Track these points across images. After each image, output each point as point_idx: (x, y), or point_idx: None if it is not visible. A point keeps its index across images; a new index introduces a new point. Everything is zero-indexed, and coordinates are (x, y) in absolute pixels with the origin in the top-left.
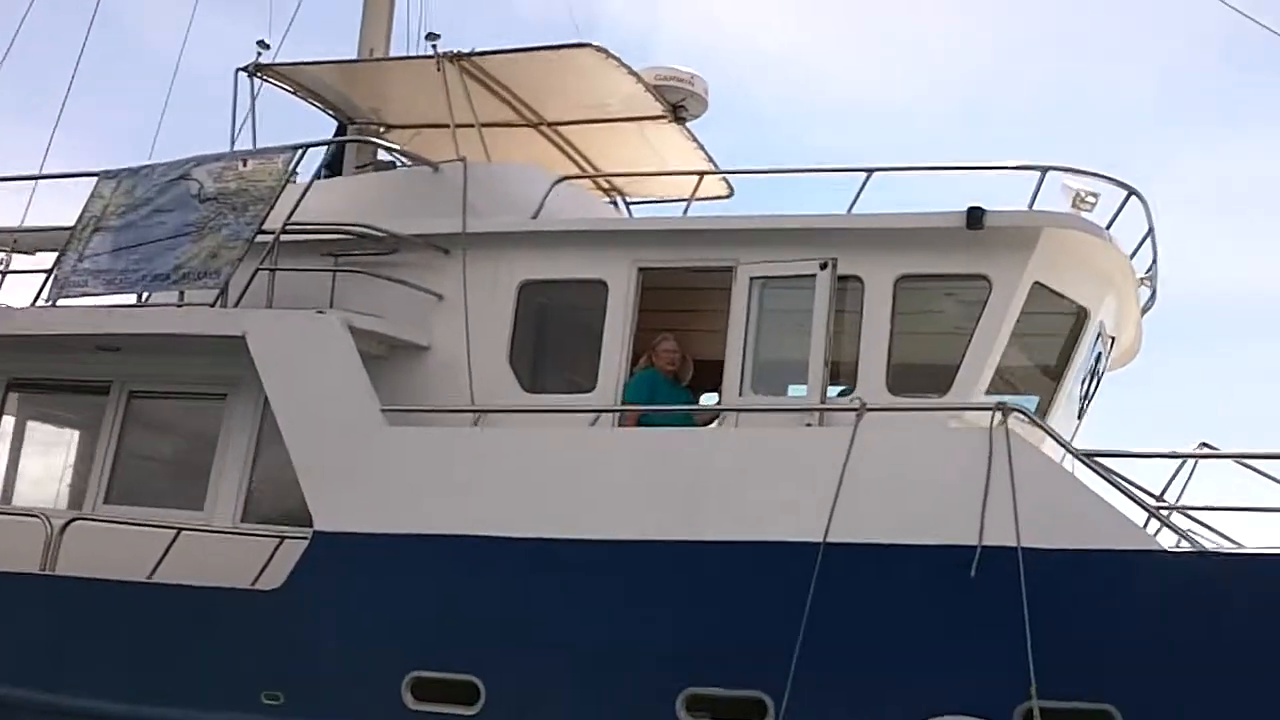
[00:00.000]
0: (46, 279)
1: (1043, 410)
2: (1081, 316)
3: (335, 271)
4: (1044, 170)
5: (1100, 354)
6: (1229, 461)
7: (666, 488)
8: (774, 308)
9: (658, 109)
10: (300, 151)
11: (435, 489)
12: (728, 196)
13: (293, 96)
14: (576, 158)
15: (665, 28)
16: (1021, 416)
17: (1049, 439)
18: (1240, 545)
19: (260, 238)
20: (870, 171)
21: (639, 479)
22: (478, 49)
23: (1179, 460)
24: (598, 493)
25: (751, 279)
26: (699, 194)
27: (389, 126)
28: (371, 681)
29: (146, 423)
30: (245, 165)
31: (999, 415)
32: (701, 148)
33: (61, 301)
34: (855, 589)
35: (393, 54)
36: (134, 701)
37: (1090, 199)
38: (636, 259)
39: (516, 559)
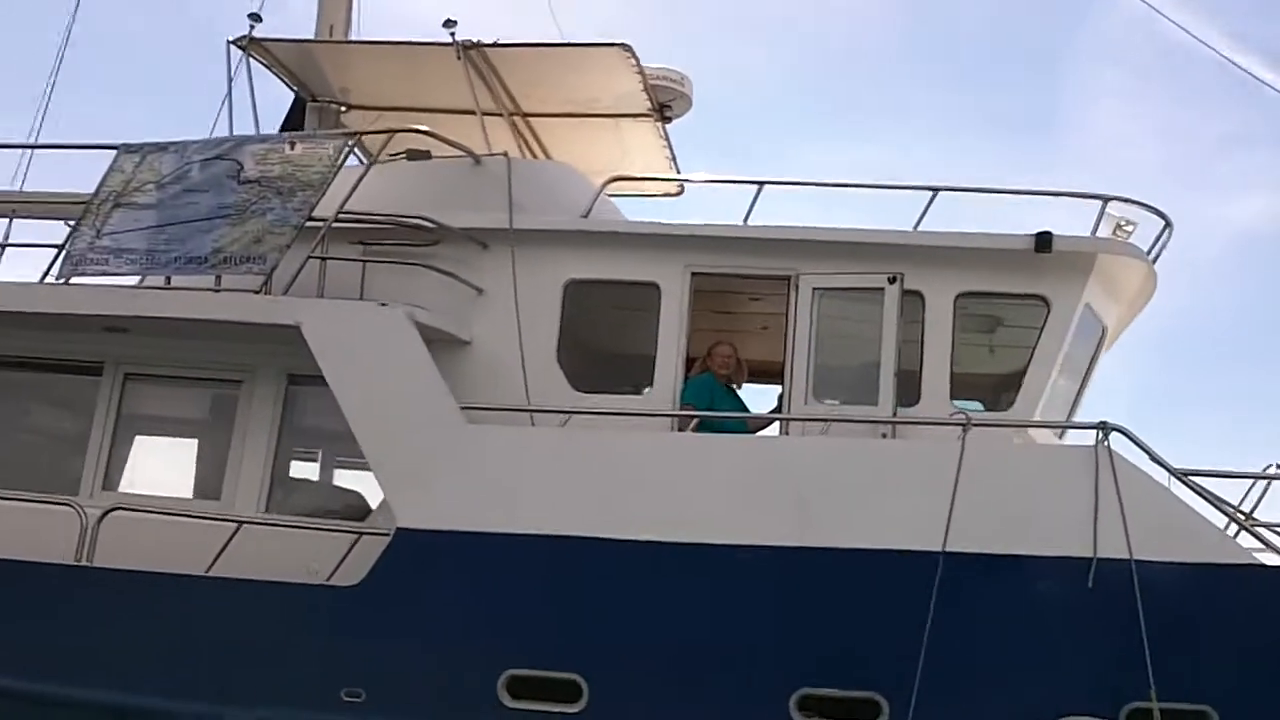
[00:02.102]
0: (57, 255)
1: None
2: (1103, 335)
3: (383, 262)
4: (1105, 200)
5: None
6: None
7: (777, 494)
8: (836, 317)
9: (645, 108)
10: (354, 140)
11: (529, 488)
12: (678, 194)
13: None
14: (535, 148)
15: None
16: (1120, 435)
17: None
18: None
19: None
20: (935, 191)
21: (748, 485)
22: (500, 40)
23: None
24: (703, 497)
25: (815, 289)
26: (656, 192)
27: (350, 106)
28: (464, 678)
29: (146, 407)
30: (293, 149)
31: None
32: (669, 146)
33: (75, 280)
34: (973, 597)
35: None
36: (210, 701)
37: (1129, 226)
38: (689, 263)
39: (624, 560)
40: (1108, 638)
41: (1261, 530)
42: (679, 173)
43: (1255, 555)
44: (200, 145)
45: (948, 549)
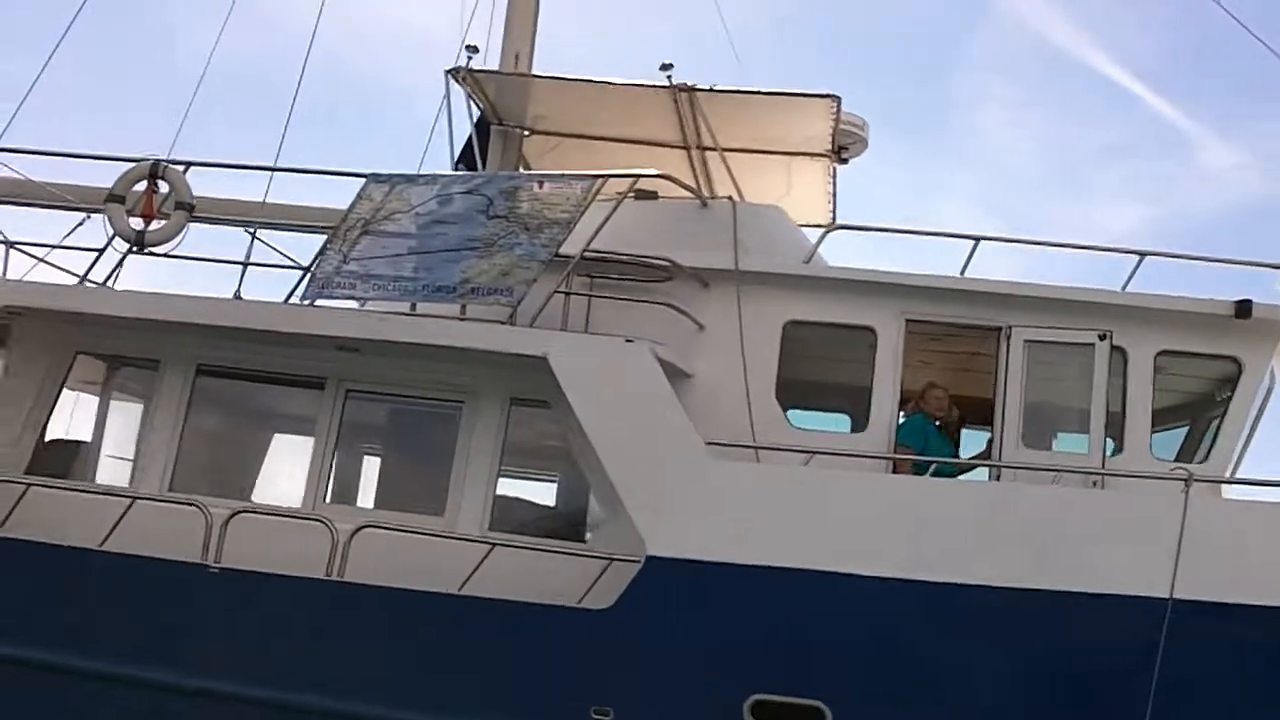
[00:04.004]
0: (302, 277)
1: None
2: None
3: (628, 300)
4: None
5: None
6: None
7: (1015, 538)
8: (1046, 370)
9: (826, 149)
10: (601, 182)
11: (771, 522)
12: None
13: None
14: (700, 178)
15: None
16: None
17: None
18: None
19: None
20: (1143, 255)
21: (989, 528)
22: (716, 86)
23: None
24: (945, 537)
25: (1026, 341)
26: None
27: (533, 132)
28: (709, 701)
29: (357, 421)
30: (541, 188)
31: None
32: (833, 182)
33: (320, 302)
34: (1199, 642)
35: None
36: (469, 714)
37: None
38: (905, 310)
39: (869, 595)
40: None
41: None
42: (835, 206)
43: None
44: (449, 179)
45: (1175, 596)
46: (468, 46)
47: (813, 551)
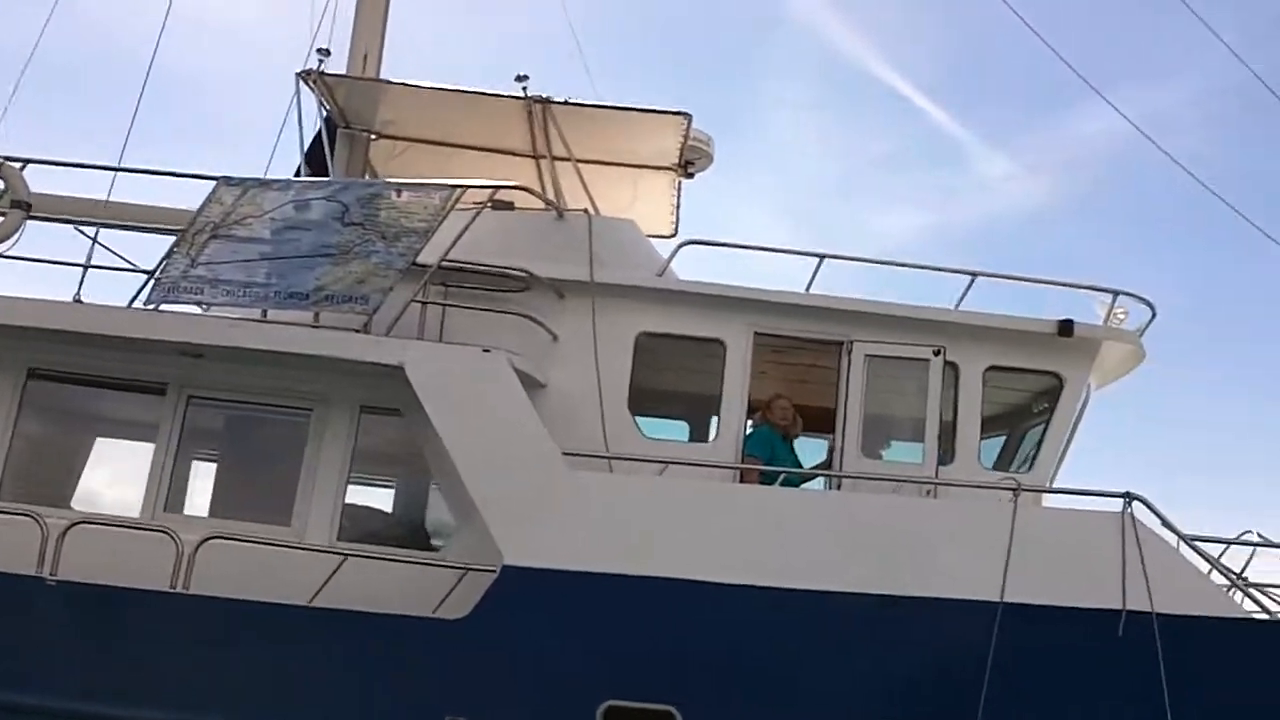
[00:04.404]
0: (147, 281)
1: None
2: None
3: (481, 309)
4: (1115, 294)
5: None
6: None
7: (860, 546)
8: (884, 382)
9: (673, 163)
10: (460, 192)
11: (628, 531)
12: (670, 236)
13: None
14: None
15: None
16: (1141, 505)
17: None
18: None
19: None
20: (974, 275)
21: (838, 537)
22: (570, 99)
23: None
24: (794, 545)
25: (866, 355)
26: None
27: (379, 135)
28: (563, 709)
29: (199, 428)
30: (399, 196)
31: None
32: (677, 195)
33: (165, 307)
34: (1026, 644)
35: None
36: None
37: (1121, 314)
38: (754, 324)
39: (720, 602)
40: (1135, 681)
41: (1252, 590)
42: (678, 218)
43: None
44: (305, 184)
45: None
46: (319, 49)
47: (666, 560)
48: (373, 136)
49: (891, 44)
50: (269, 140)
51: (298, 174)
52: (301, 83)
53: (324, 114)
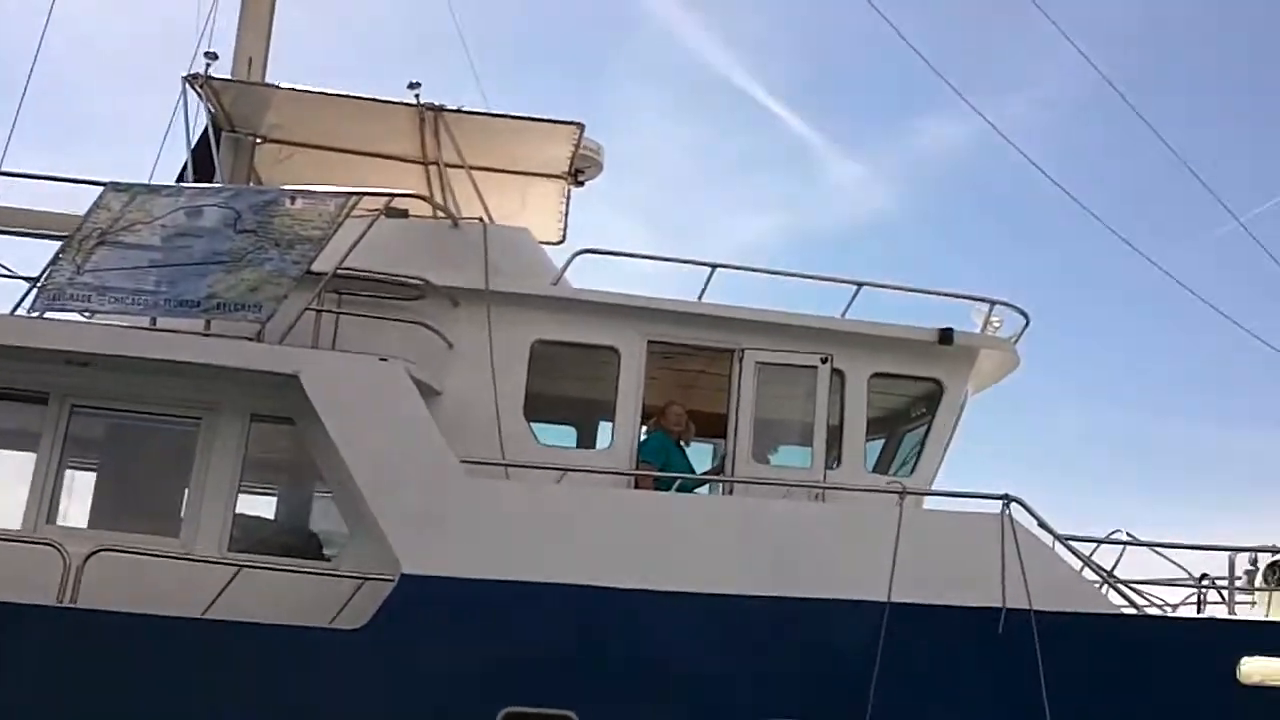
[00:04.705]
0: (31, 287)
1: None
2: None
3: (374, 317)
4: (993, 303)
5: None
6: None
7: (756, 550)
8: (774, 389)
9: (563, 171)
10: (355, 199)
11: (526, 539)
12: (559, 243)
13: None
14: (438, 194)
15: None
16: (1019, 506)
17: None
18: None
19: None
20: (860, 285)
21: (732, 541)
22: (464, 107)
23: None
24: (690, 550)
25: (757, 363)
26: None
27: (264, 139)
28: (464, 715)
29: (88, 440)
30: (294, 203)
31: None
32: (566, 204)
33: (50, 315)
34: (911, 639)
35: None
36: None
37: (997, 323)
38: (647, 332)
39: (617, 607)
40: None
41: (1121, 586)
42: (566, 226)
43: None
44: (196, 191)
45: (893, 600)
46: (206, 53)
47: (564, 566)
48: (258, 141)
49: (749, 50)
50: (154, 144)
51: (181, 178)
52: (188, 86)
53: (209, 117)
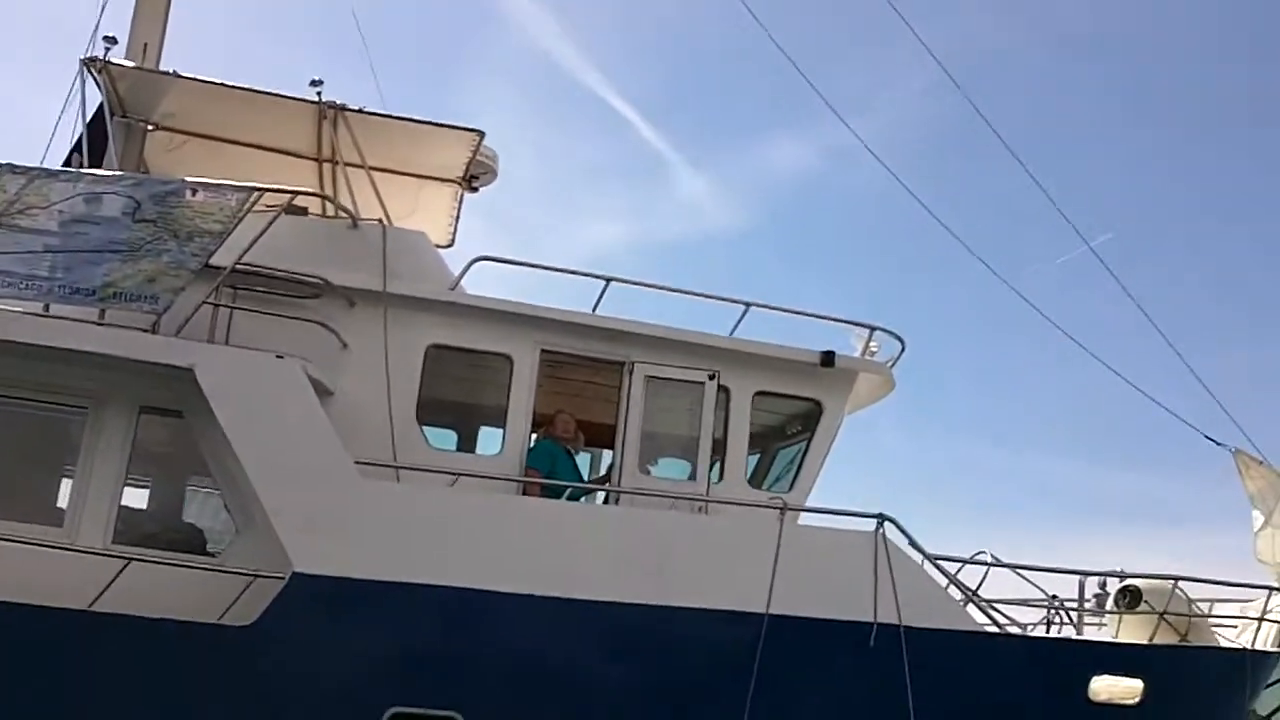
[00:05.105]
0: None
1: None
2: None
3: (271, 315)
4: (872, 329)
5: None
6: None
7: (639, 558)
8: (662, 402)
9: (458, 176)
10: (258, 195)
11: (418, 541)
12: (448, 246)
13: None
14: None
15: None
16: (892, 526)
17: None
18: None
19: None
20: (748, 306)
21: (616, 550)
22: (365, 108)
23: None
24: (577, 557)
25: (646, 376)
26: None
27: (157, 127)
28: (351, 714)
29: None
30: (195, 195)
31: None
32: (458, 208)
33: None
34: (788, 650)
35: None
36: None
37: (875, 347)
38: (541, 341)
39: (504, 611)
40: (885, 683)
41: (983, 604)
42: (456, 230)
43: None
44: (96, 178)
45: (771, 611)
46: (105, 37)
47: (452, 569)
48: (150, 128)
49: (605, 56)
50: (47, 128)
51: (69, 160)
52: (85, 69)
53: (100, 101)
